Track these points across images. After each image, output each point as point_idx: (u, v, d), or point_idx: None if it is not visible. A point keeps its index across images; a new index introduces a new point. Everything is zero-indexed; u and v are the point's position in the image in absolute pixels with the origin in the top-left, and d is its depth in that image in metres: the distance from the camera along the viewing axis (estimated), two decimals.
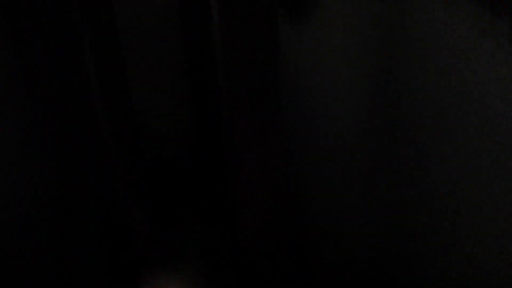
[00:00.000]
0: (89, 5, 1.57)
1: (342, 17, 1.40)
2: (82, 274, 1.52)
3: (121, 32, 2.22)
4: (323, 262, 1.94)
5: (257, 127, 1.21)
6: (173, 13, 2.32)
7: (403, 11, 1.11)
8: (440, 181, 1.12)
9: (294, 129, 1.97)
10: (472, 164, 1.00)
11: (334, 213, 1.78)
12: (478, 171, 0.98)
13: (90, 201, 1.59)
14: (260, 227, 1.23)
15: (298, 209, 2.08)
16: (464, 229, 1.05)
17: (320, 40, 1.60)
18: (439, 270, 1.16)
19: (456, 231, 1.08)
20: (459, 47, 0.95)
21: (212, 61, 2.02)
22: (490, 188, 0.96)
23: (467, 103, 0.97)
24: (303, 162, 2.00)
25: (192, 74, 2.35)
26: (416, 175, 1.21)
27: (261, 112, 1.19)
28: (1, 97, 1.30)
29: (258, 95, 1.18)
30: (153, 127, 2.71)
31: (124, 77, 2.16)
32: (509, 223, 0.92)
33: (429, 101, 1.07)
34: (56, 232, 1.51)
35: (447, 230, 1.11)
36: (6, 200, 1.25)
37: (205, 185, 2.62)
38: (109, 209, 1.64)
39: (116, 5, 2.14)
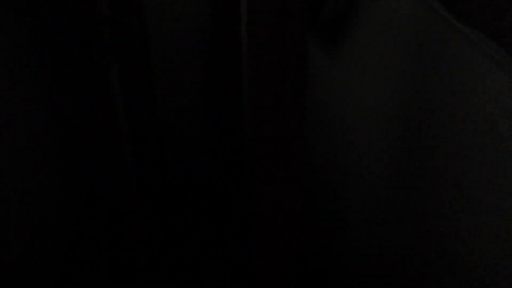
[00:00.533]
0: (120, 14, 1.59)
1: (376, 49, 1.41)
2: (89, 275, 1.53)
3: (150, 34, 2.23)
4: (336, 272, 1.95)
5: (280, 143, 1.22)
6: (202, 19, 2.34)
7: (442, 49, 1.11)
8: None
9: (317, 148, 1.98)
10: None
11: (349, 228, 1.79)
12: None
13: (102, 203, 1.61)
14: (277, 232, 1.25)
15: (316, 218, 2.09)
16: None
17: (350, 69, 1.61)
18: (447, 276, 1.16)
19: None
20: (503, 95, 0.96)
21: (238, 74, 2.04)
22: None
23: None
24: (324, 177, 2.01)
25: (216, 83, 2.37)
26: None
27: (285, 133, 1.21)
28: (19, 99, 1.32)
29: (283, 114, 1.19)
30: (174, 131, 2.74)
31: (150, 80, 2.17)
32: None
33: (467, 149, 1.08)
34: (64, 233, 1.53)
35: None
36: (18, 198, 1.28)
37: (222, 190, 2.64)
38: (121, 213, 1.66)
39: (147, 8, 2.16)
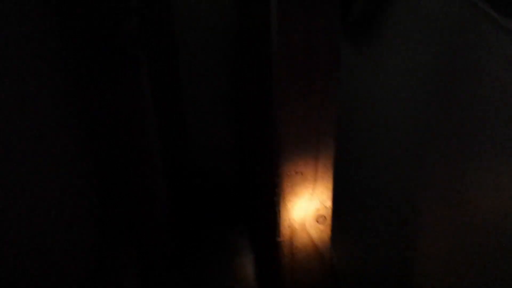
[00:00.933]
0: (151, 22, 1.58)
1: (409, 44, 1.37)
2: (117, 274, 1.53)
3: (178, 40, 2.23)
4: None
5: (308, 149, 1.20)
6: (230, 21, 2.32)
7: (477, 45, 1.07)
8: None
9: (348, 153, 1.95)
10: None
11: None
12: None
13: (130, 197, 1.60)
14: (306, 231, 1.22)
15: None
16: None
17: (382, 64, 1.58)
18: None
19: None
20: None
21: (267, 78, 2.01)
22: None
23: None
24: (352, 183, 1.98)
25: (243, 83, 2.35)
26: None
27: (315, 136, 1.18)
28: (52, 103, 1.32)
29: (313, 116, 1.16)
30: (201, 137, 2.73)
31: (177, 73, 2.16)
32: None
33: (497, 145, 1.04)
34: (95, 236, 1.53)
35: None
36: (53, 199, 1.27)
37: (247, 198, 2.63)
38: (151, 215, 1.65)
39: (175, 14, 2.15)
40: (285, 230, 1.18)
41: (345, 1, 1.68)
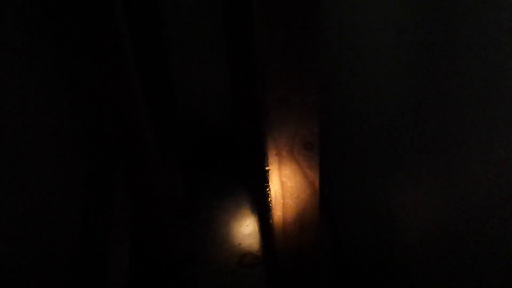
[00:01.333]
0: None
1: None
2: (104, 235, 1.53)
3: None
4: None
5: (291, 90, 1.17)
6: None
7: None
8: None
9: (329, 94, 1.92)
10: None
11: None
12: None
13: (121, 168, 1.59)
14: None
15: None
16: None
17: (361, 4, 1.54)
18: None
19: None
20: None
21: (250, 28, 1.98)
22: None
23: None
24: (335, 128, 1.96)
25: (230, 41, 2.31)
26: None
27: (297, 77, 1.16)
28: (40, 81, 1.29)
29: (295, 58, 1.14)
30: (191, 90, 2.70)
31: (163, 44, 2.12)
32: None
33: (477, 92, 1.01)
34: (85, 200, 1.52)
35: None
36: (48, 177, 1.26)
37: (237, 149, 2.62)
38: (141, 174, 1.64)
39: None
40: (272, 158, 1.17)
41: None
